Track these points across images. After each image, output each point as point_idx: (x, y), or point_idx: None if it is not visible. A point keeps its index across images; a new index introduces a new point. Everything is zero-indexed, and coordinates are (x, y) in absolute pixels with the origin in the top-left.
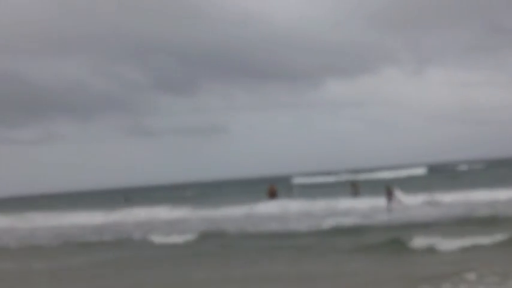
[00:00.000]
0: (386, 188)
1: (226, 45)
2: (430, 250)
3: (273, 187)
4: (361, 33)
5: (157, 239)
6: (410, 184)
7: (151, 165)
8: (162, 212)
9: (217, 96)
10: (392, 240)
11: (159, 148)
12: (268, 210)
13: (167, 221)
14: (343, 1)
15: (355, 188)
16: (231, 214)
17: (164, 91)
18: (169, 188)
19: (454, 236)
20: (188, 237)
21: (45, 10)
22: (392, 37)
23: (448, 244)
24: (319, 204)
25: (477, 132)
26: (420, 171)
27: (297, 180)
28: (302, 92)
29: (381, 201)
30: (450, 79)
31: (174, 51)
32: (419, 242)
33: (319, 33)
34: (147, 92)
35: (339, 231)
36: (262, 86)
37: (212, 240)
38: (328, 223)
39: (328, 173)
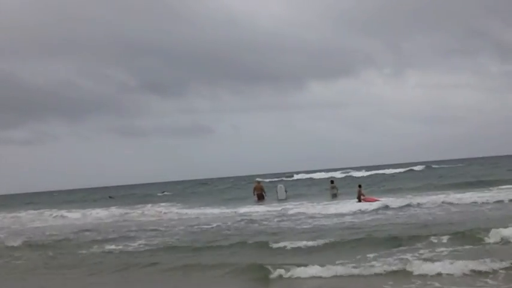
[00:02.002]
0: (358, 188)
1: (213, 47)
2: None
3: (260, 185)
4: (344, 36)
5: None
6: (384, 184)
7: (140, 165)
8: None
9: (204, 97)
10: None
11: (147, 148)
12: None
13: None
14: (328, 5)
15: (333, 187)
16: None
17: (152, 92)
18: (156, 187)
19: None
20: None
21: (35, 13)
22: (372, 40)
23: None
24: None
25: (454, 133)
26: (398, 171)
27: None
28: (286, 93)
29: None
30: (429, 82)
31: (162, 53)
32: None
33: (303, 35)
34: (135, 93)
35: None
36: (247, 87)
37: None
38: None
39: (313, 172)
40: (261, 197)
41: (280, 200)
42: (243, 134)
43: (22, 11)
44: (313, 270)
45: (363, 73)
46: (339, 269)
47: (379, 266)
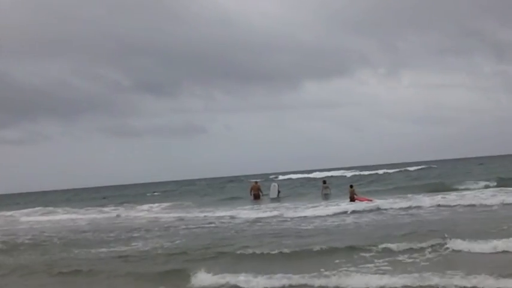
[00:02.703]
0: (350, 188)
1: (206, 47)
2: None
3: (257, 185)
4: (338, 35)
5: None
6: (377, 184)
7: (134, 165)
8: None
9: (198, 97)
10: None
11: (140, 148)
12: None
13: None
14: (322, 5)
15: (326, 187)
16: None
17: (146, 92)
18: (150, 187)
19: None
20: None
21: (28, 12)
22: (366, 39)
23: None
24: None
25: (449, 133)
26: (392, 171)
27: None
28: (280, 93)
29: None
30: (423, 81)
31: (156, 52)
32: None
33: (297, 35)
34: (129, 93)
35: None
36: (241, 87)
37: None
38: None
39: (306, 173)
40: (257, 197)
41: (272, 199)
42: (237, 134)
43: (15, 10)
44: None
45: (357, 73)
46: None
47: (311, 279)
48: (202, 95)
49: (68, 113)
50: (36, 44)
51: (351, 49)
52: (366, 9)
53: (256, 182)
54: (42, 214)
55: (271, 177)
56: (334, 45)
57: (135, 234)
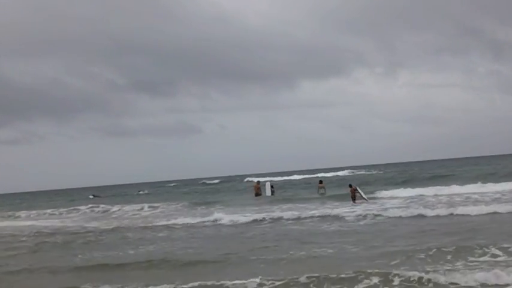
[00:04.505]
0: (350, 187)
1: (202, 46)
2: None
3: (258, 185)
4: (334, 35)
5: None
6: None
7: (128, 165)
8: None
9: (194, 97)
10: None
11: (135, 148)
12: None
13: None
14: (318, 4)
15: (321, 187)
16: None
17: (141, 91)
18: (145, 186)
19: None
20: None
21: (21, 11)
22: (362, 39)
23: None
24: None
25: (442, 133)
26: (389, 171)
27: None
28: (276, 93)
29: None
30: (419, 81)
31: (151, 51)
32: None
33: (294, 35)
34: (124, 92)
35: None
36: (237, 86)
37: None
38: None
39: (302, 173)
40: (258, 195)
41: (267, 197)
42: (232, 133)
43: (9, 9)
44: None
45: (353, 72)
46: None
47: None
48: (197, 95)
49: (62, 112)
50: (30, 43)
51: (347, 48)
52: (362, 8)
53: (258, 182)
54: None
55: (262, 180)
56: (330, 45)
57: None
